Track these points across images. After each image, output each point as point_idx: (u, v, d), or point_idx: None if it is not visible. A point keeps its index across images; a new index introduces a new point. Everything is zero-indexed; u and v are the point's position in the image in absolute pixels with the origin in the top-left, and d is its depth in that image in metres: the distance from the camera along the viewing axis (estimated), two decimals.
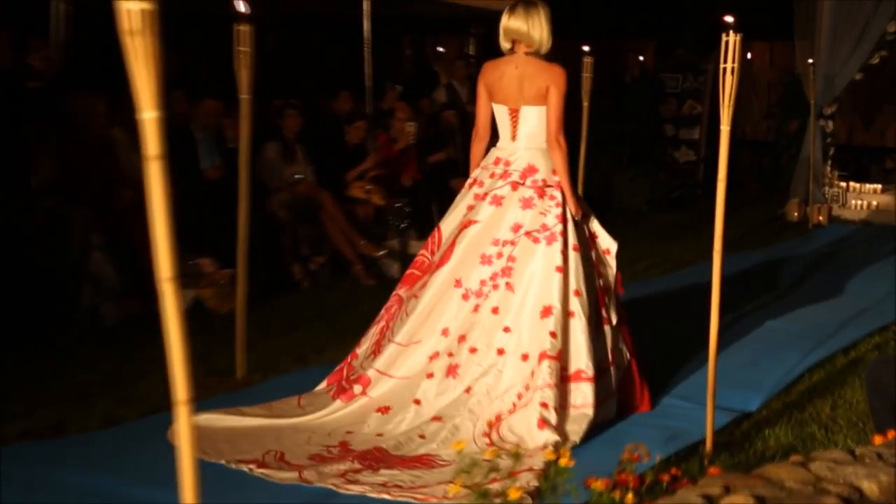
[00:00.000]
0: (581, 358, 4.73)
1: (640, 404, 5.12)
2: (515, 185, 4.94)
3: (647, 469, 3.26)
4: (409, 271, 5.19)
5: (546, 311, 4.73)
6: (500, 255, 4.87)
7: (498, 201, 4.94)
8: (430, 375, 4.81)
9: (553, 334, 4.68)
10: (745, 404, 5.19)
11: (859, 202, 12.19)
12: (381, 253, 8.30)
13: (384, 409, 4.76)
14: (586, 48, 7.69)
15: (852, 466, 2.84)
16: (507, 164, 5.00)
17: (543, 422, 4.53)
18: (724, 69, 4.31)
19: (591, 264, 4.97)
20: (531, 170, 4.96)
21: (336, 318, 6.92)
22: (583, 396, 4.70)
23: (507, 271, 4.84)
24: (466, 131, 10.53)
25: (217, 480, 4.01)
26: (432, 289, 4.92)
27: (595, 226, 5.11)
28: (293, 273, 7.86)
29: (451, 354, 4.82)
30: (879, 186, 12.51)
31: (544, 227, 4.85)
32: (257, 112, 7.43)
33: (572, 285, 4.79)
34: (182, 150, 7.43)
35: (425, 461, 4.36)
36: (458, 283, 4.89)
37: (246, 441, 4.50)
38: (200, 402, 4.78)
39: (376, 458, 4.37)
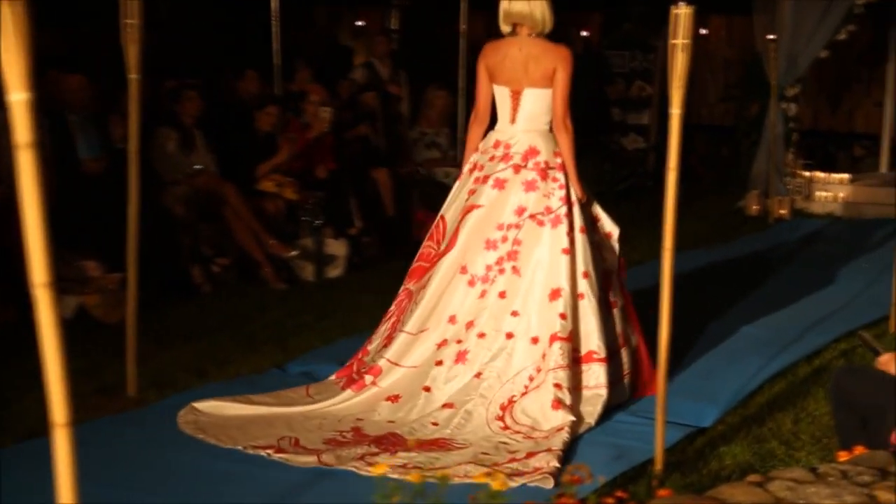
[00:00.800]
0: (592, 339, 5.29)
1: (651, 386, 5.50)
2: (517, 168, 5.45)
3: (590, 492, 3.29)
4: (416, 264, 5.69)
5: (555, 294, 5.27)
6: (504, 239, 5.39)
7: (500, 184, 5.45)
8: (440, 363, 5.34)
9: (563, 316, 5.23)
10: (698, 419, 5.27)
11: (825, 194, 12.40)
12: (292, 253, 8.27)
13: (394, 398, 5.26)
14: None
15: (815, 486, 2.90)
16: (508, 146, 5.51)
17: (558, 402, 5.07)
18: (675, 46, 4.36)
19: (597, 247, 5.52)
20: (533, 152, 5.47)
21: (242, 326, 6.89)
22: (595, 377, 5.26)
23: (513, 255, 5.37)
24: (389, 115, 10.53)
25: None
26: (438, 277, 5.44)
27: (597, 209, 5.66)
28: (193, 276, 7.79)
29: (459, 341, 5.35)
30: (847, 176, 12.74)
31: (548, 210, 5.37)
32: (149, 94, 7.35)
33: (580, 267, 5.34)
34: (61, 137, 7.32)
35: (441, 444, 4.84)
36: (463, 270, 5.42)
37: (256, 428, 4.95)
38: (86, 423, 4.76)
39: (392, 441, 4.84)
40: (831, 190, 12.44)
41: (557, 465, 4.50)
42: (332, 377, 5.64)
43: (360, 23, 13.53)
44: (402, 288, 5.71)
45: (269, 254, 8.18)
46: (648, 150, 14.09)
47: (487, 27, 16.61)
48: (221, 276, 8.01)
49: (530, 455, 4.63)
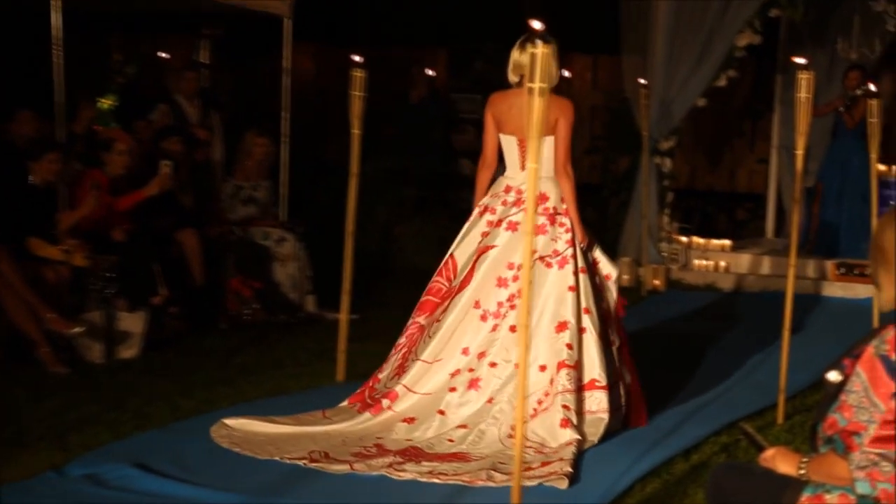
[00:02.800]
0: (594, 369, 6.57)
1: (640, 420, 6.94)
2: None
3: None
4: (425, 298, 6.98)
5: (561, 326, 6.57)
6: (515, 278, 6.64)
7: (513, 227, 6.75)
8: (453, 389, 6.60)
9: (569, 346, 6.53)
10: None
11: (704, 262, 12.68)
12: (76, 330, 8.08)
13: (409, 420, 6.52)
14: (358, 58, 7.77)
15: None
16: (519, 192, 6.81)
17: (567, 421, 6.35)
18: (531, 90, 4.43)
19: (597, 288, 6.82)
20: (542, 198, 6.77)
21: (10, 419, 6.70)
22: (597, 402, 6.53)
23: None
24: (196, 165, 10.42)
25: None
26: (454, 311, 6.70)
27: (597, 252, 6.97)
28: None
29: (471, 370, 6.61)
30: (729, 243, 13.07)
31: (556, 253, 6.71)
32: None
33: (583, 304, 6.64)
34: None
35: (460, 456, 6.12)
36: (476, 305, 6.69)
37: (286, 443, 6.22)
38: None
39: (414, 454, 6.13)
40: (711, 258, 12.72)
41: (570, 469, 5.81)
42: (346, 402, 6.85)
43: (163, 55, 13.43)
44: (410, 321, 6.97)
45: (47, 330, 7.98)
46: None
47: (317, 62, 16.61)
48: None
49: (545, 464, 5.92)
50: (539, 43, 4.58)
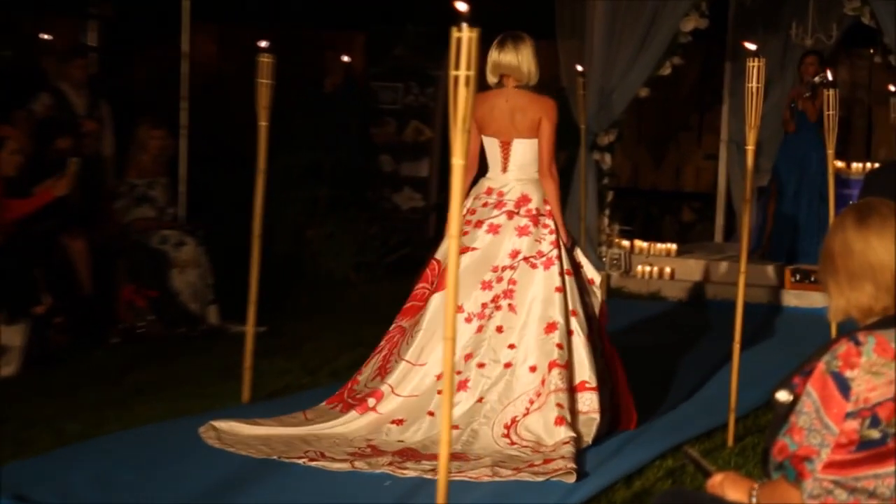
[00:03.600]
0: (584, 371, 7.07)
1: (630, 423, 7.41)
2: (511, 215, 7.28)
3: None
4: (409, 304, 7.46)
5: (551, 327, 7.06)
6: (500, 279, 7.19)
7: (495, 229, 7.28)
8: (441, 392, 6.64)
9: (560, 346, 7.01)
10: None
11: (648, 268, 12.71)
12: None
13: (398, 422, 6.93)
14: (265, 43, 7.72)
15: None
16: (501, 194, 7.34)
17: (562, 419, 6.79)
18: (457, 78, 4.40)
19: (582, 290, 7.33)
20: (525, 199, 7.29)
21: None
22: (589, 403, 7.02)
23: (508, 294, 7.17)
24: (85, 160, 10.29)
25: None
26: (430, 311, 7.17)
27: (580, 256, 7.53)
28: None
29: (458, 372, 6.96)
30: (675, 247, 13.12)
31: (540, 254, 7.20)
32: None
33: (569, 306, 7.15)
34: None
35: (458, 456, 6.44)
36: (459, 309, 6.93)
37: (279, 444, 6.64)
38: None
39: (410, 455, 6.55)
40: (655, 263, 12.74)
41: (574, 465, 6.26)
42: (324, 404, 7.30)
43: (45, 36, 13.28)
44: (393, 325, 7.47)
45: None
46: (428, 211, 14.20)
47: (219, 46, 16.48)
48: None
49: (547, 461, 6.39)
50: (464, 26, 4.55)
